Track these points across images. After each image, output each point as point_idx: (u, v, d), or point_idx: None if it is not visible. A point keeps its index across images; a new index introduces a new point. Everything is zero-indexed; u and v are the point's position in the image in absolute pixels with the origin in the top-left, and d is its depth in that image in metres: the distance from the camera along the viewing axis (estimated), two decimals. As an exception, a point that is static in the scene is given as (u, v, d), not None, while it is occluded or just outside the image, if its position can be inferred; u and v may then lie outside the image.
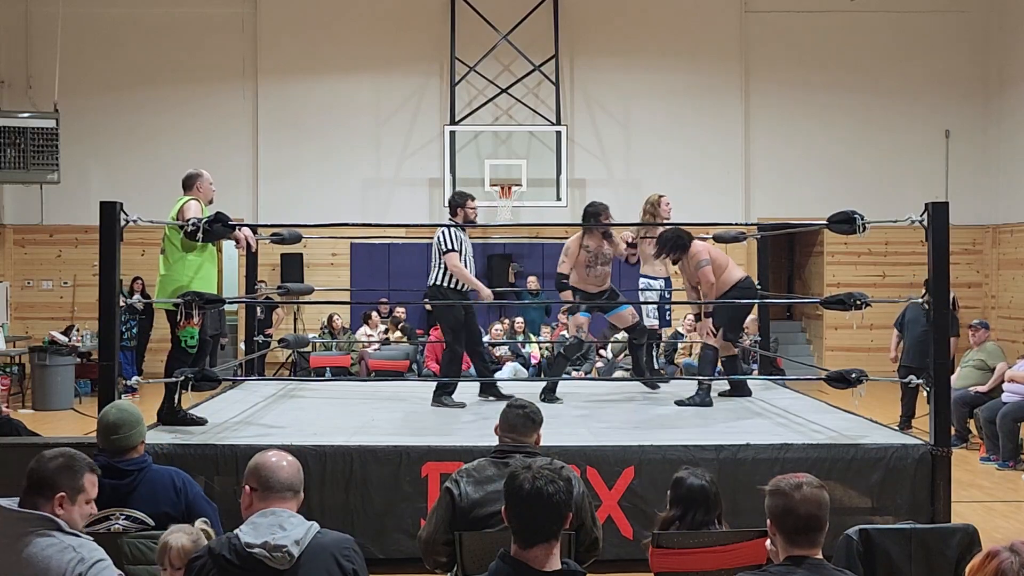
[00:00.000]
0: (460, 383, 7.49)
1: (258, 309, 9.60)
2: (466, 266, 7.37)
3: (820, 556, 2.88)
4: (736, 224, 10.08)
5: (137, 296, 6.87)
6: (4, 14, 14.51)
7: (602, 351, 12.38)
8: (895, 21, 14.77)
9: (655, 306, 7.99)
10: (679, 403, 7.26)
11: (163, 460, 5.05)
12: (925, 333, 8.93)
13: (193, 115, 14.59)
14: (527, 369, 12.48)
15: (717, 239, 8.25)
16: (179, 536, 3.45)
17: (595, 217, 7.59)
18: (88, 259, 12.45)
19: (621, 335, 11.89)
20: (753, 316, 11.29)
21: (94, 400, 9.33)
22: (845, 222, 6.00)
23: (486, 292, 7.47)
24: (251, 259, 9.20)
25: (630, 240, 7.78)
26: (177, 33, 14.64)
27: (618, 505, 5.55)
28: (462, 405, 7.26)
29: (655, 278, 7.85)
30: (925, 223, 5.70)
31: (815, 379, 7.78)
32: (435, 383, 7.73)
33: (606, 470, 5.57)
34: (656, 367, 9.32)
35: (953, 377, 8.65)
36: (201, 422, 6.31)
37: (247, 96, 14.69)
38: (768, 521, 2.92)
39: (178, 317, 6.18)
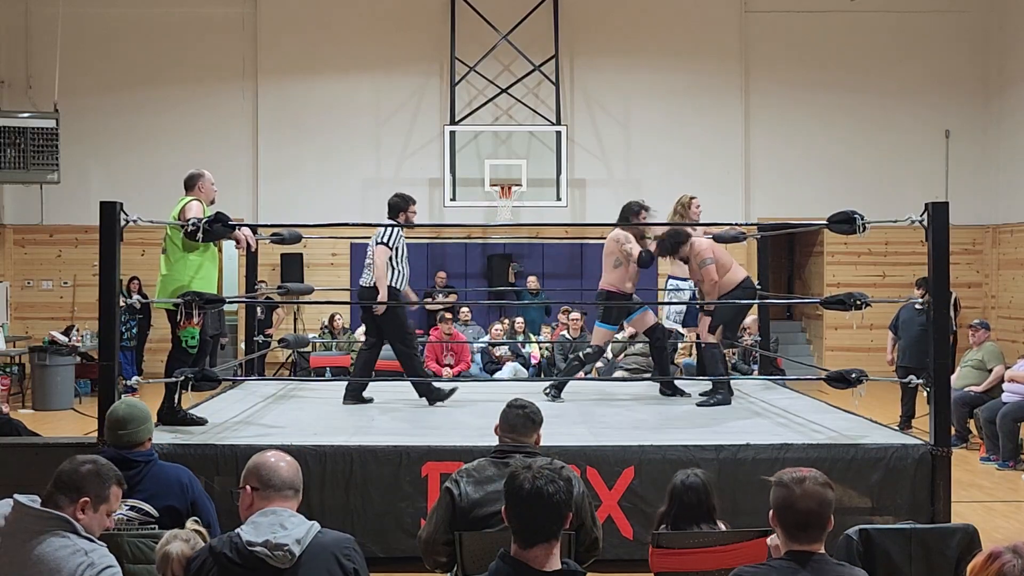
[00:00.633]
0: (457, 383, 7.48)
1: (258, 309, 9.59)
2: (403, 270, 7.33)
3: (823, 551, 2.87)
4: (736, 224, 10.07)
5: (136, 296, 6.82)
6: (4, 14, 14.51)
7: (602, 351, 12.37)
8: (895, 21, 14.77)
9: (677, 309, 8.03)
10: (700, 404, 7.26)
11: (163, 460, 5.04)
12: (921, 333, 8.96)
13: (193, 115, 14.59)
14: (527, 369, 12.47)
15: (717, 239, 8.24)
16: (177, 544, 3.44)
17: (632, 215, 7.56)
18: (88, 259, 12.45)
19: (621, 335, 11.92)
20: (753, 316, 11.30)
21: (94, 400, 9.32)
22: (845, 222, 6.00)
23: (383, 295, 7.21)
24: (251, 259, 9.20)
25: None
26: (177, 33, 14.64)
27: (618, 505, 5.55)
28: (450, 393, 7.32)
29: (684, 279, 7.89)
30: (925, 223, 5.69)
31: (815, 379, 7.78)
32: (439, 383, 7.72)
33: (606, 470, 5.57)
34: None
35: (953, 377, 8.65)
36: (201, 422, 6.32)
37: (247, 96, 14.69)
38: (770, 513, 2.92)
39: (178, 317, 6.19)
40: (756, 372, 10.21)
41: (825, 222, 6.17)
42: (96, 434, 5.71)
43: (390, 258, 7.27)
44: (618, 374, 11.40)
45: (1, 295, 14.14)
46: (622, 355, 11.87)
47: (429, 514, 3.88)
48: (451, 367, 12.22)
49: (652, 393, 7.98)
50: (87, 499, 3.11)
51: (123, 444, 4.05)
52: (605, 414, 7.07)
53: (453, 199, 13.92)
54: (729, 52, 14.76)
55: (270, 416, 6.98)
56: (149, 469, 4.03)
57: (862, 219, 5.92)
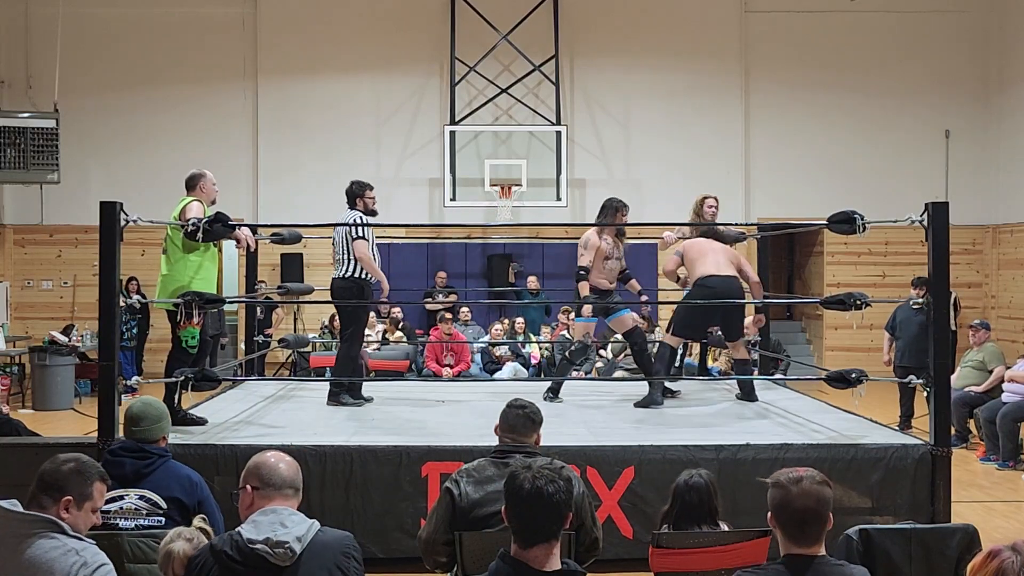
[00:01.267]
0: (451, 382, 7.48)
1: (258, 309, 9.60)
2: (373, 258, 7.28)
3: (823, 552, 2.85)
4: (736, 224, 10.07)
5: (136, 296, 6.82)
6: (4, 14, 14.51)
7: (602, 351, 12.38)
8: (895, 21, 14.77)
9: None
10: (637, 405, 7.24)
11: (163, 460, 5.06)
12: (920, 333, 8.95)
13: (193, 115, 14.59)
14: (527, 369, 12.47)
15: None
16: (180, 543, 3.45)
17: (612, 211, 7.56)
18: (88, 259, 12.45)
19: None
20: (752, 317, 11.26)
21: (94, 400, 9.32)
22: (845, 222, 6.00)
23: (386, 286, 7.32)
24: (251, 259, 9.21)
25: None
26: (177, 33, 14.64)
27: (618, 505, 5.56)
28: (363, 401, 7.29)
29: None
30: (925, 223, 5.70)
31: (815, 379, 7.78)
32: (439, 383, 7.72)
33: (606, 470, 5.57)
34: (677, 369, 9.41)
35: (953, 377, 8.65)
36: (201, 422, 6.32)
37: (247, 96, 14.69)
38: (768, 514, 2.91)
39: (178, 317, 6.19)
40: (756, 372, 10.20)
41: (825, 222, 6.18)
42: (96, 434, 5.70)
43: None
44: (618, 374, 11.40)
45: (1, 295, 14.14)
46: (622, 355, 11.88)
47: (429, 514, 3.88)
48: (451, 367, 12.23)
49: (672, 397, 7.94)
50: (70, 498, 3.09)
51: (137, 440, 4.19)
52: (605, 414, 7.07)
53: (453, 199, 13.92)
54: (729, 52, 14.76)
55: (270, 416, 6.98)
56: (162, 463, 4.14)
57: (862, 219, 5.92)
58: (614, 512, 5.54)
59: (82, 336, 13.09)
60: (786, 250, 16.47)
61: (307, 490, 3.27)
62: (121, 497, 3.95)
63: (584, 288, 7.40)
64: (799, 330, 15.64)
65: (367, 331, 13.08)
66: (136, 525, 3.90)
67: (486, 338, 12.81)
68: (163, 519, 3.93)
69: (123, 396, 5.89)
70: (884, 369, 10.53)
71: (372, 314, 13.31)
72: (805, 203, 14.03)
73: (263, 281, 9.91)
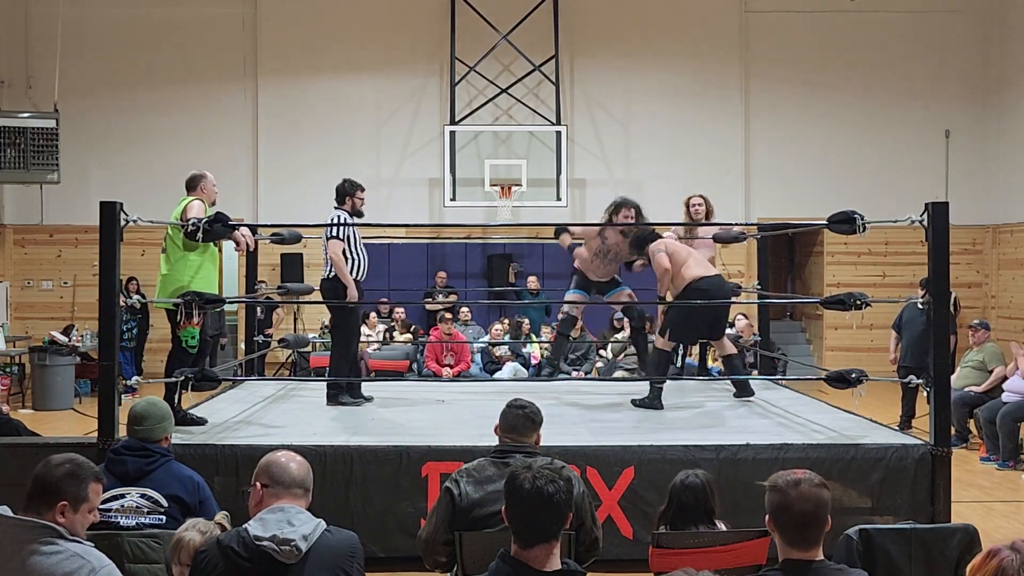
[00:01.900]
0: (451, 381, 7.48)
1: (258, 309, 9.60)
2: (359, 259, 7.22)
3: (821, 556, 2.84)
4: (736, 224, 10.07)
5: (136, 296, 6.81)
6: (4, 14, 14.51)
7: (602, 351, 12.38)
8: (895, 21, 14.77)
9: None
10: (634, 403, 7.25)
11: (163, 460, 5.06)
12: (923, 333, 8.95)
13: (193, 115, 14.59)
14: (527, 369, 12.47)
15: (716, 239, 8.25)
16: (193, 533, 3.48)
17: (615, 209, 7.57)
18: (88, 259, 12.44)
19: (621, 335, 11.92)
20: (746, 321, 11.27)
21: (94, 400, 9.32)
22: (845, 222, 6.00)
23: (353, 292, 7.12)
24: (251, 259, 9.20)
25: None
26: (177, 33, 14.64)
27: (618, 505, 5.55)
28: (363, 400, 7.30)
29: None
30: (925, 223, 5.70)
31: (815, 379, 7.77)
32: (439, 383, 7.72)
33: (606, 470, 5.57)
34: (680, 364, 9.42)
35: (953, 377, 8.66)
36: (201, 422, 6.32)
37: (247, 96, 14.69)
38: (767, 518, 2.90)
39: (178, 317, 6.19)
40: (756, 372, 10.20)
41: (825, 222, 6.17)
42: (96, 434, 5.70)
43: (344, 250, 7.17)
44: (618, 374, 11.40)
45: (1, 295, 14.14)
46: (622, 355, 11.88)
47: (429, 514, 3.88)
48: (451, 367, 12.23)
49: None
50: (65, 502, 3.05)
51: (139, 439, 4.22)
52: (605, 414, 7.07)
53: (453, 199, 13.92)
54: (729, 52, 14.76)
55: (270, 416, 6.98)
56: (164, 463, 4.17)
57: (862, 219, 5.92)
58: (614, 512, 5.54)
59: (82, 336, 13.08)
60: (786, 250, 16.46)
61: (308, 490, 3.27)
62: (123, 495, 3.97)
63: (564, 240, 7.95)
64: (799, 330, 15.64)
65: (368, 331, 13.16)
66: (137, 523, 3.91)
67: (486, 338, 12.81)
68: (164, 518, 3.95)
69: (123, 396, 5.89)
70: (884, 369, 10.53)
71: (373, 314, 13.35)
72: (805, 203, 14.03)
73: (263, 281, 9.90)
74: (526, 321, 12.95)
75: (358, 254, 7.25)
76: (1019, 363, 9.02)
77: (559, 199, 13.91)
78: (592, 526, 3.82)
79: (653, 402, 7.18)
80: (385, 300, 13.70)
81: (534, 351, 12.84)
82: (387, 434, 6.14)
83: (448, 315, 12.37)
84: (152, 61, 14.61)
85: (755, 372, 9.79)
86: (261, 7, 14.67)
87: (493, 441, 4.06)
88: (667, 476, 4.26)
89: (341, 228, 7.13)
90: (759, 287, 9.12)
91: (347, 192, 7.39)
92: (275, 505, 3.05)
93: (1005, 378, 9.24)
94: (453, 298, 13.52)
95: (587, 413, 7.06)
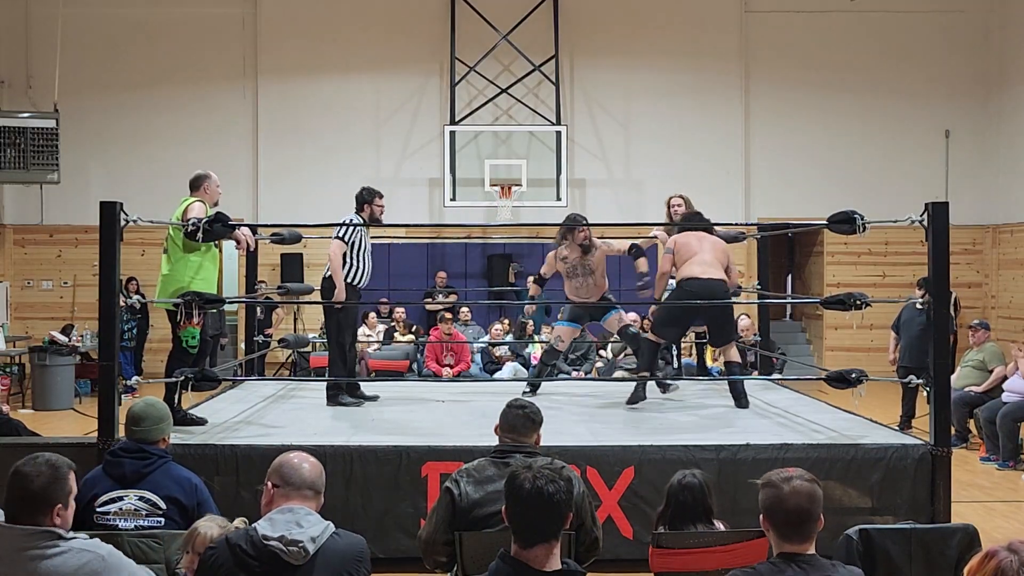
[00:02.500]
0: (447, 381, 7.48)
1: (258, 309, 9.60)
2: (362, 265, 7.23)
3: (812, 551, 2.87)
4: (736, 224, 10.07)
5: (136, 296, 6.80)
6: (4, 14, 14.51)
7: (602, 351, 12.38)
8: (895, 21, 14.77)
9: None
10: (630, 403, 7.25)
11: (163, 460, 5.06)
12: (922, 333, 8.96)
13: (193, 115, 14.59)
14: (527, 369, 12.47)
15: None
16: (210, 526, 3.51)
17: (568, 229, 7.59)
18: (88, 259, 12.45)
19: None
20: (748, 321, 11.26)
21: (94, 400, 9.32)
22: (845, 222, 6.00)
23: (341, 294, 7.08)
24: (251, 259, 9.21)
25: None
26: (177, 33, 14.64)
27: (618, 505, 5.55)
28: (363, 400, 7.27)
29: None
30: (925, 223, 5.70)
31: (815, 379, 7.77)
32: (439, 383, 7.72)
33: (606, 470, 5.57)
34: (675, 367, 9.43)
35: (953, 377, 8.65)
36: (201, 422, 6.32)
37: (247, 96, 14.69)
38: (761, 515, 2.93)
39: (179, 317, 6.19)
40: (756, 372, 10.20)
41: (825, 222, 6.17)
42: (96, 434, 5.70)
43: (345, 253, 7.17)
44: (618, 374, 11.40)
45: (1, 295, 14.14)
46: (622, 355, 11.88)
47: (429, 514, 3.88)
48: (451, 367, 12.23)
49: (652, 392, 7.96)
50: (60, 504, 3.08)
51: (137, 440, 4.19)
52: (605, 414, 7.07)
53: (453, 199, 13.92)
54: (729, 52, 14.76)
55: (270, 416, 6.98)
56: (162, 464, 4.14)
57: (862, 219, 5.92)
58: (614, 512, 5.53)
59: (82, 336, 13.09)
60: (786, 250, 16.47)
61: (307, 490, 3.27)
62: (121, 498, 3.97)
63: (532, 289, 8.21)
64: (799, 330, 15.64)
65: (368, 331, 13.16)
66: (135, 526, 3.90)
67: (486, 338, 12.80)
68: (162, 520, 3.94)
69: (123, 396, 5.89)
70: (884, 369, 10.53)
71: (372, 314, 13.35)
72: (805, 203, 14.03)
73: (263, 281, 9.90)
74: (530, 322, 12.95)
75: (361, 261, 7.26)
76: (1019, 363, 9.02)
77: (559, 199, 13.90)
78: (592, 526, 3.82)
79: (638, 393, 7.23)
80: (385, 300, 13.70)
81: (534, 351, 12.83)
82: (387, 434, 6.14)
83: (448, 315, 12.37)
84: (152, 61, 14.60)
85: (755, 372, 9.79)
86: (261, 7, 14.68)
87: (493, 441, 4.06)
88: (667, 476, 4.25)
89: (350, 230, 7.13)
90: (759, 287, 9.13)
91: (365, 200, 7.43)
92: (285, 506, 3.05)
93: (1005, 378, 9.24)
94: (453, 298, 13.52)
95: (587, 413, 7.06)
